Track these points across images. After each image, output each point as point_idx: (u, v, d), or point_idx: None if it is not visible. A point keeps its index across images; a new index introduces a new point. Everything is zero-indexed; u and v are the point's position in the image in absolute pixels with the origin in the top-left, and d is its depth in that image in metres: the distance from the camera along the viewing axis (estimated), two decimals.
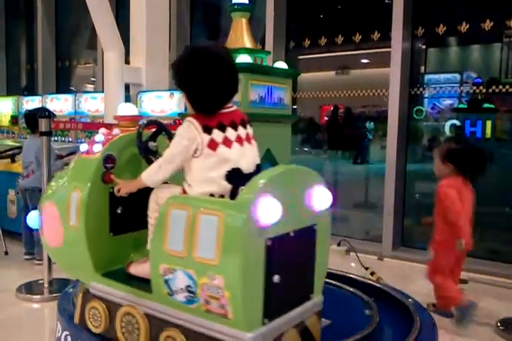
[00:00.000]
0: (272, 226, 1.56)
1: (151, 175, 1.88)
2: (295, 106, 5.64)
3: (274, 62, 2.66)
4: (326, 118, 6.40)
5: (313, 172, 1.84)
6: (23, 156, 4.35)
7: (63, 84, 7.92)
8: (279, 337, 1.68)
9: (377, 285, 2.75)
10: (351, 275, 2.85)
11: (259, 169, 1.88)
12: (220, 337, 1.60)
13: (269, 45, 5.39)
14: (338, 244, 4.78)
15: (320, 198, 1.78)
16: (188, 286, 1.62)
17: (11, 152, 5.07)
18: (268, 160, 2.42)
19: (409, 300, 2.49)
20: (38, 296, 3.45)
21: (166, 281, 1.68)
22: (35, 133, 4.07)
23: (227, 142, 1.78)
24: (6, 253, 4.47)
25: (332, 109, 6.13)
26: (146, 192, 1.98)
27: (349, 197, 6.04)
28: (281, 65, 2.60)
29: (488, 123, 4.62)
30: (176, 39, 6.35)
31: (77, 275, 2.19)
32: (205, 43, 1.90)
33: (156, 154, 2.06)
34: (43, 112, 3.69)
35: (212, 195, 1.76)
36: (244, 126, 1.88)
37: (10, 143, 6.09)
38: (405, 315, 2.31)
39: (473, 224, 3.09)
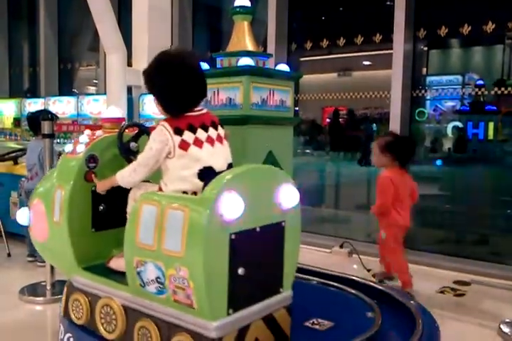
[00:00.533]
0: (236, 222, 1.63)
1: (125, 177, 1.98)
2: (297, 108, 5.65)
3: (276, 64, 2.67)
4: (328, 120, 6.41)
5: (281, 171, 1.91)
6: (26, 159, 4.37)
7: (66, 87, 7.94)
8: (245, 327, 1.73)
9: (380, 287, 2.75)
10: (353, 277, 2.84)
11: (231, 168, 1.96)
12: (188, 327, 1.66)
13: (271, 47, 5.40)
14: (341, 246, 4.78)
15: (288, 196, 1.84)
16: (158, 278, 1.69)
17: (13, 154, 5.08)
18: (270, 162, 2.42)
19: (412, 302, 2.48)
20: (41, 298, 3.46)
21: (139, 273, 1.75)
22: (38, 136, 4.08)
23: (197, 142, 1.88)
24: (9, 255, 4.48)
25: (333, 111, 6.14)
26: (127, 190, 2.08)
27: (353, 198, 6.05)
28: (283, 67, 2.60)
29: (491, 125, 4.63)
30: (178, 41, 6.36)
31: (62, 269, 2.31)
32: (177, 49, 2.02)
33: (136, 154, 2.14)
34: (46, 115, 3.68)
35: (185, 192, 1.85)
36: (216, 128, 1.98)
37: (13, 145, 6.11)
38: (408, 318, 2.30)
39: (413, 208, 3.63)
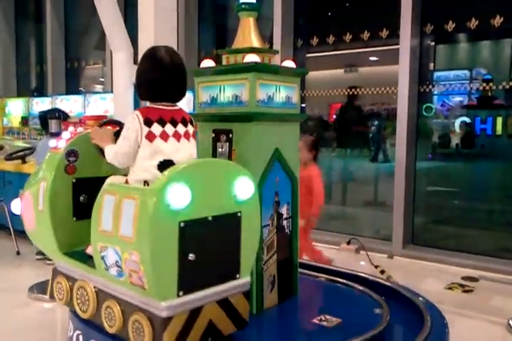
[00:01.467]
0: (185, 211, 1.75)
1: (109, 156, 2.14)
2: (303, 105, 5.64)
3: (282, 60, 2.66)
4: (334, 116, 6.39)
5: (236, 165, 2.02)
6: (37, 157, 4.39)
7: (72, 85, 7.97)
8: (198, 309, 1.84)
9: (387, 283, 2.74)
10: (361, 274, 2.84)
11: None
12: (142, 306, 1.81)
13: (276, 43, 5.39)
14: (348, 243, 4.77)
15: (243, 188, 1.95)
16: (117, 261, 1.83)
17: (21, 153, 5.11)
18: (277, 159, 2.42)
19: (420, 298, 2.47)
20: None
21: (103, 257, 1.90)
22: (48, 134, 4.11)
23: (164, 136, 2.02)
24: (18, 253, 4.52)
25: (340, 107, 6.11)
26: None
27: (361, 195, 6.03)
28: (289, 63, 2.59)
29: (499, 120, 4.59)
30: (183, 39, 6.36)
31: (48, 254, 2.50)
32: (163, 47, 2.17)
33: None
34: (53, 113, 3.71)
35: (146, 182, 1.98)
36: (185, 125, 2.11)
37: (20, 144, 6.15)
38: (416, 314, 2.30)
39: None
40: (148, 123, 1.99)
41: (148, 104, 2.14)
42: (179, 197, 1.73)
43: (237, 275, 1.97)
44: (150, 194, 1.72)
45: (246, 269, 2.01)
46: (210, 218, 1.85)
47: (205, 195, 1.83)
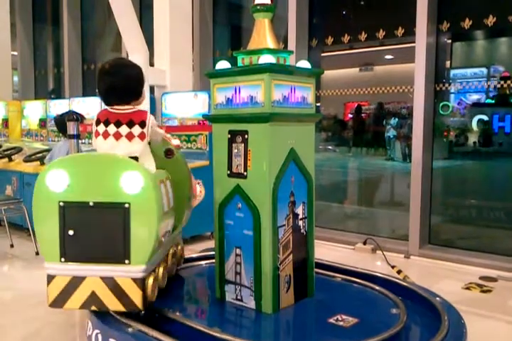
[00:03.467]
0: (65, 193, 2.13)
1: None
2: (318, 104, 5.63)
3: (297, 61, 2.66)
4: (350, 115, 6.37)
5: (127, 160, 2.22)
6: (55, 159, 4.44)
7: (89, 87, 8.06)
8: (80, 277, 2.17)
9: (404, 283, 2.73)
10: (377, 274, 2.83)
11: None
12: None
13: (291, 43, 5.38)
14: (364, 243, 4.75)
15: (129, 182, 2.12)
16: None
17: (40, 155, 5.18)
18: (292, 159, 2.43)
19: (437, 298, 2.46)
20: None
21: None
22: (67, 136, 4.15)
23: (105, 134, 2.36)
24: (37, 253, 4.58)
25: (356, 106, 6.09)
26: None
27: (376, 195, 6.01)
28: (304, 64, 2.60)
29: None
30: (199, 41, 6.39)
31: None
32: (113, 59, 2.55)
33: None
34: (71, 115, 3.74)
35: None
36: (130, 126, 2.36)
37: (39, 145, 6.23)
38: (433, 314, 2.29)
39: None
40: (97, 123, 2.38)
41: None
42: (56, 181, 2.14)
43: (126, 261, 2.14)
44: (38, 177, 2.19)
45: (138, 258, 2.14)
46: (91, 203, 2.13)
47: (87, 183, 2.15)
